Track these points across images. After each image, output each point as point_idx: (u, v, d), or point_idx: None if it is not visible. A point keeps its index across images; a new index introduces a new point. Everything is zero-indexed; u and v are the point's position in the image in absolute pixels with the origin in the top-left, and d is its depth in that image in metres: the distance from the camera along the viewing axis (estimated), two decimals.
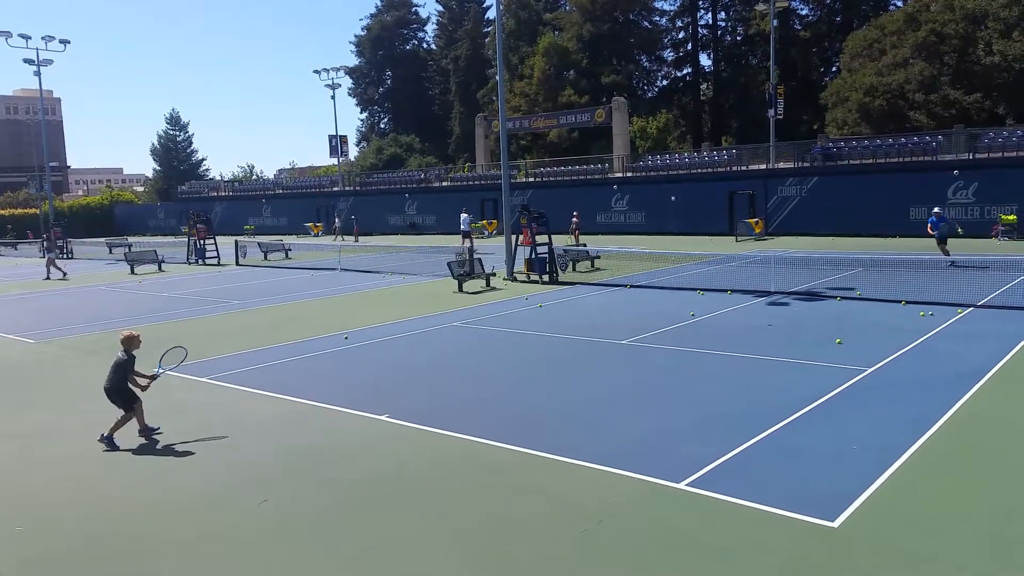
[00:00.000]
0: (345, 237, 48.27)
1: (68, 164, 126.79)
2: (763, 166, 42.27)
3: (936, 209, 23.52)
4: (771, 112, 44.23)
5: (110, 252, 43.61)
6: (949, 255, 22.18)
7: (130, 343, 9.14)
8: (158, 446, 9.03)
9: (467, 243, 32.96)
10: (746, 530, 6.28)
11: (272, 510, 7.08)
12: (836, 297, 17.71)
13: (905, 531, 6.20)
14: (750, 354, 12.43)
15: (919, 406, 9.29)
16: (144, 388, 9.10)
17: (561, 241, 28.66)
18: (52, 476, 8.22)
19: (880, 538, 6.07)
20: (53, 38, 47.33)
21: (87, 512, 7.22)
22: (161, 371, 9.28)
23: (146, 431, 9.22)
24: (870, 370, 11.02)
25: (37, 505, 7.44)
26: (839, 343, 12.81)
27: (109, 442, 8.94)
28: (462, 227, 37.03)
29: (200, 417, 10.09)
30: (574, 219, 38.25)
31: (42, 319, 19.62)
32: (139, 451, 8.87)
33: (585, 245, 29.44)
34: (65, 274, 31.22)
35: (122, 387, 9.01)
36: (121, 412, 9.07)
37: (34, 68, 47.40)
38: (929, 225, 22.98)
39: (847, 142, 41.84)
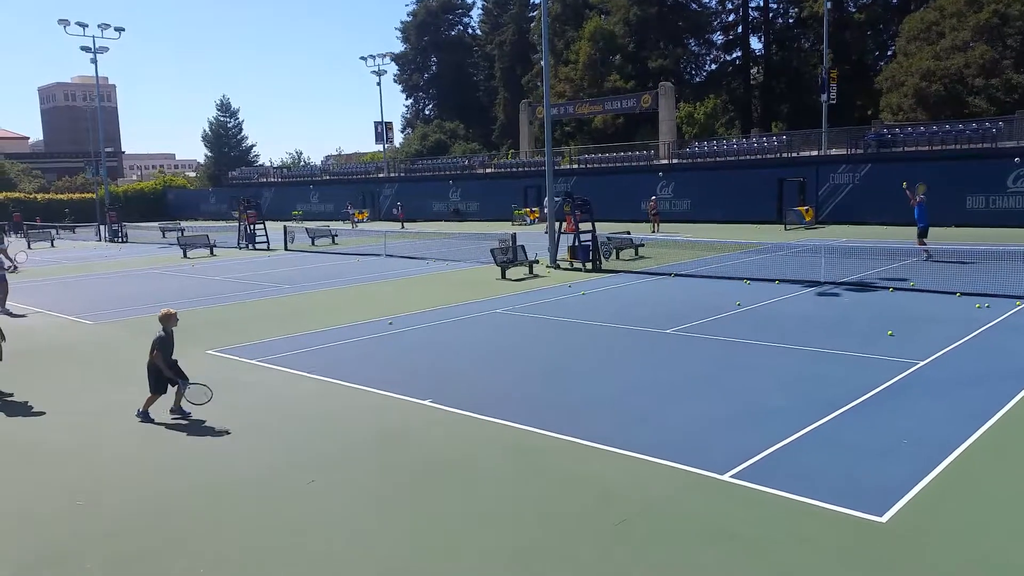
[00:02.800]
0: (355, 225, 48.16)
1: (123, 149, 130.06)
2: (814, 152, 41.41)
3: (921, 196, 21.42)
4: (824, 97, 43.25)
5: (163, 236, 44.67)
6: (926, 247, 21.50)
7: (168, 320, 9.36)
8: (207, 426, 9.25)
9: (565, 226, 32.12)
10: (791, 524, 6.20)
11: (315, 492, 7.22)
12: (889, 288, 17.31)
13: (956, 528, 6.07)
14: (798, 345, 12.23)
15: (973, 401, 9.05)
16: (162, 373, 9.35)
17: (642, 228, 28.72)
18: (109, 454, 8.48)
19: (929, 535, 5.95)
20: (109, 26, 48.43)
21: (141, 488, 7.44)
22: (184, 385, 9.37)
23: (178, 411, 9.52)
24: (923, 363, 10.77)
25: (94, 480, 7.69)
26: (891, 335, 12.53)
27: (144, 415, 9.38)
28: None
29: (247, 399, 10.31)
30: (652, 202, 37.92)
31: (98, 301, 20.21)
32: (188, 432, 9.10)
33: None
34: (16, 267, 27.85)
35: (156, 368, 9.31)
36: (154, 395, 9.44)
37: (91, 56, 48.58)
38: (917, 214, 21.46)
39: (902, 128, 40.70)
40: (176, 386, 9.39)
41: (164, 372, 9.27)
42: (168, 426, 9.30)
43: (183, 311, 17.62)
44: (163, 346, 9.30)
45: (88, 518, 6.83)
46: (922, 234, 21.65)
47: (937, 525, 6.11)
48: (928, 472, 7.02)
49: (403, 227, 45.99)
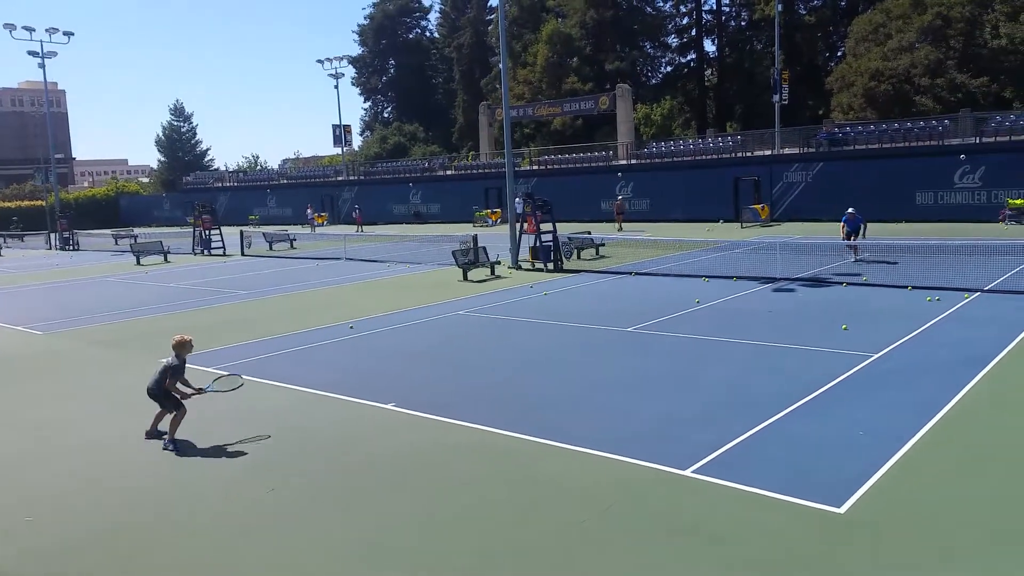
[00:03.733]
0: (315, 228, 47.60)
1: (73, 156, 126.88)
2: (768, 152, 42.10)
3: (851, 210, 21.39)
4: (776, 97, 43.99)
5: (116, 243, 43.69)
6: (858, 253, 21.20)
7: (182, 348, 8.72)
8: (161, 435, 9.05)
9: (526, 227, 30.09)
10: (752, 516, 6.29)
11: (278, 498, 7.12)
12: (842, 283, 17.67)
13: (911, 517, 6.20)
14: (756, 340, 12.42)
15: (926, 392, 9.27)
16: (185, 398, 8.67)
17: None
18: (60, 467, 8.27)
19: (886, 524, 6.07)
20: (57, 30, 47.16)
21: (94, 502, 7.27)
22: (209, 388, 8.82)
23: (161, 436, 8.75)
24: (876, 356, 11.01)
25: (46, 496, 7.48)
26: (845, 329, 12.78)
27: (173, 445, 8.54)
28: (518, 210, 34.97)
29: (207, 406, 10.10)
30: (617, 201, 37.90)
31: (49, 311, 19.69)
32: (142, 443, 8.88)
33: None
34: None
35: (166, 391, 8.63)
36: (169, 414, 8.74)
37: (38, 60, 47.32)
38: (845, 225, 21.18)
39: (853, 127, 41.61)
40: (173, 413, 8.68)
41: (187, 392, 8.66)
42: (121, 437, 9.09)
43: (135, 319, 17.36)
44: (176, 375, 8.62)
45: (37, 535, 6.64)
46: (848, 236, 21.20)
47: (894, 514, 6.24)
48: (884, 462, 7.17)
49: (361, 231, 45.53)
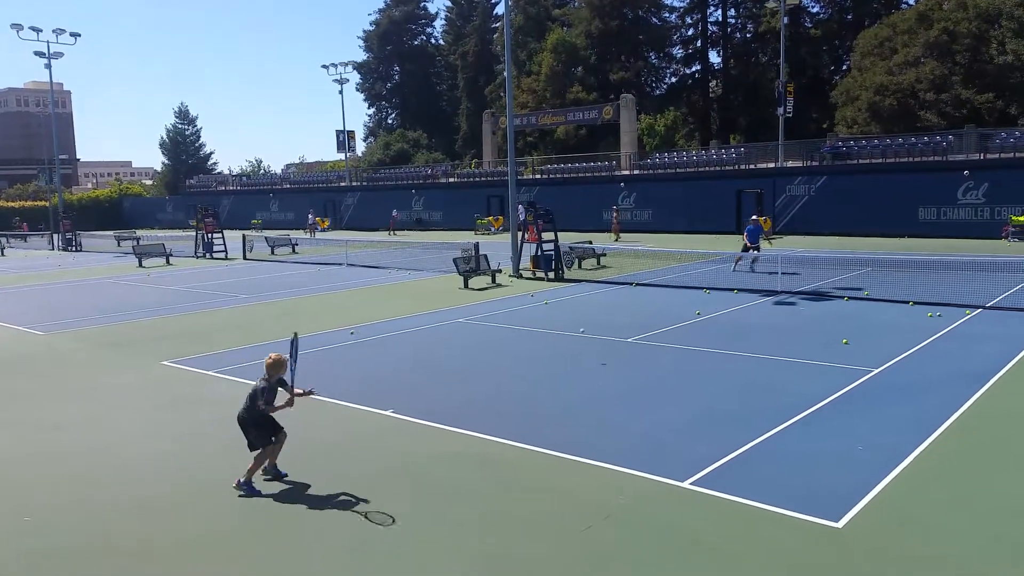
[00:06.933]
0: (316, 233, 47.88)
1: (78, 157, 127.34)
2: (771, 164, 42.12)
3: (754, 217, 23.88)
4: (780, 110, 44.06)
5: (118, 245, 43.73)
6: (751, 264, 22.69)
7: (276, 368, 7.58)
8: (159, 437, 9.04)
9: (528, 235, 30.05)
10: (750, 530, 6.25)
11: (276, 504, 7.09)
12: (844, 297, 17.64)
13: (910, 533, 6.17)
14: (756, 353, 12.39)
15: (926, 407, 9.24)
16: (291, 404, 7.57)
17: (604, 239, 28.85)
18: (61, 469, 8.25)
19: (885, 539, 6.04)
20: (64, 31, 47.45)
21: (94, 505, 7.24)
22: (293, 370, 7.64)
23: (275, 473, 7.74)
24: (877, 371, 10.98)
25: (45, 497, 7.46)
26: (846, 343, 12.75)
27: (248, 487, 7.38)
28: (520, 217, 35.18)
29: (206, 411, 10.10)
30: (614, 213, 38.16)
31: (51, 311, 19.69)
32: (139, 445, 8.88)
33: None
34: None
35: (262, 418, 7.58)
36: (256, 451, 7.63)
37: (45, 61, 47.54)
38: (747, 234, 23.08)
39: (857, 141, 41.66)
40: (260, 450, 7.59)
41: (283, 404, 7.53)
42: (121, 438, 9.07)
43: (136, 320, 17.36)
44: (269, 395, 7.53)
45: (35, 536, 6.61)
46: (746, 248, 22.81)
47: (893, 530, 6.21)
48: (883, 478, 7.14)
49: (393, 234, 46.02)
